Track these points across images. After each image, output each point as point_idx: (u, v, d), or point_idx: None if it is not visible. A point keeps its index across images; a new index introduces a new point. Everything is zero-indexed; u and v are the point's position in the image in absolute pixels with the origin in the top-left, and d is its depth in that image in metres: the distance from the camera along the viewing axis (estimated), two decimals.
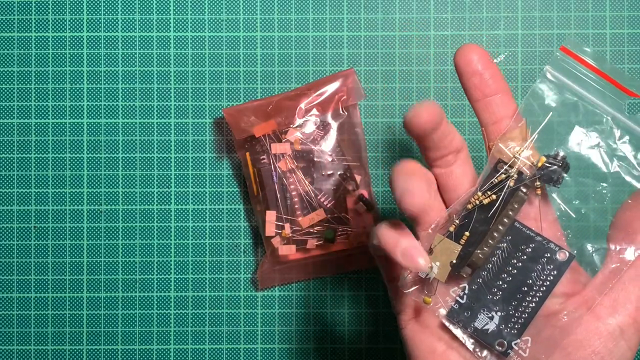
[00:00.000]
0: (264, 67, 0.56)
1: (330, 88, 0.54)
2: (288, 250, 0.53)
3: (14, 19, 0.56)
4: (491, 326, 0.38)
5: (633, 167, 0.37)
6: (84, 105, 0.56)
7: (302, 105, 0.54)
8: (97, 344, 0.56)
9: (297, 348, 0.56)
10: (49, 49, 0.56)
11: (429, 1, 0.56)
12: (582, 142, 0.37)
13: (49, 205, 0.56)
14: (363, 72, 0.56)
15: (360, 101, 0.55)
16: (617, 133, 0.36)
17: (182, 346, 0.56)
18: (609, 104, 0.36)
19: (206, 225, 0.56)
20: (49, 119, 0.56)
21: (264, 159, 0.54)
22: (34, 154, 0.56)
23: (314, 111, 0.54)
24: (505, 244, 0.38)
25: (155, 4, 0.56)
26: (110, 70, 0.56)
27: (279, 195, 0.53)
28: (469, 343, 0.38)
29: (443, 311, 0.39)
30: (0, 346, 0.56)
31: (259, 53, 0.56)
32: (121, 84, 0.56)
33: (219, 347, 0.56)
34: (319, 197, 0.54)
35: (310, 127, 0.54)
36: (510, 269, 0.38)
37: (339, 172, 0.54)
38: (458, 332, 0.38)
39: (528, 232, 0.38)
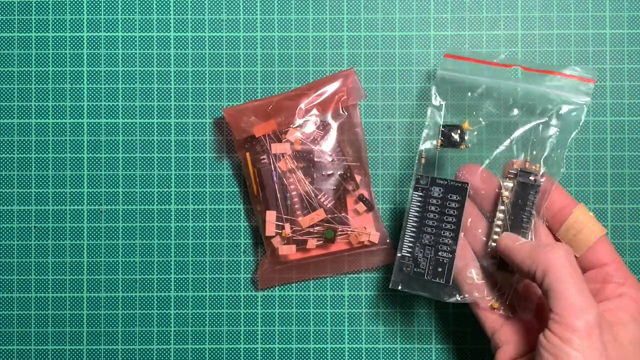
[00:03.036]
0: (264, 67, 0.56)
1: (330, 88, 0.54)
2: (288, 250, 0.53)
3: (14, 19, 0.57)
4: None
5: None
6: (84, 105, 0.56)
7: (302, 105, 0.54)
8: (97, 343, 0.56)
9: (297, 348, 0.56)
10: (49, 49, 0.56)
11: (429, 1, 0.56)
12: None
13: (49, 205, 0.56)
14: (363, 72, 0.56)
15: (360, 101, 0.55)
16: (495, 93, 0.52)
17: (182, 346, 0.56)
18: (485, 76, 0.52)
19: (206, 225, 0.56)
20: (49, 119, 0.56)
21: (264, 159, 0.54)
22: (34, 154, 0.56)
23: (314, 111, 0.54)
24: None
25: (156, 4, 0.56)
26: (111, 70, 0.56)
27: (279, 195, 0.53)
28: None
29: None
30: (1, 346, 0.56)
31: (259, 53, 0.56)
32: (121, 84, 0.56)
33: (219, 347, 0.56)
34: (319, 197, 0.54)
35: (310, 127, 0.54)
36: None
37: (339, 172, 0.54)
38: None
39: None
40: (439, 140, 0.51)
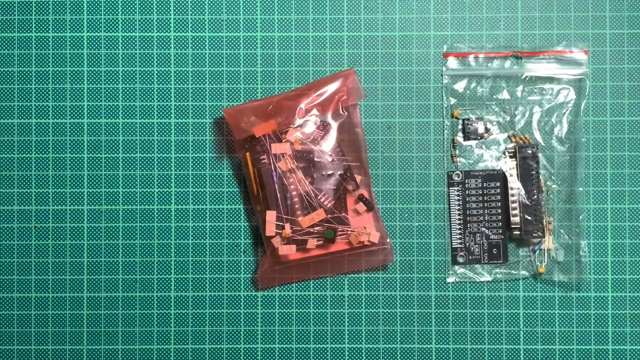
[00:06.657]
0: (264, 67, 0.56)
1: (330, 88, 0.54)
2: (288, 250, 0.53)
3: (14, 19, 0.57)
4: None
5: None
6: (84, 105, 0.56)
7: (302, 105, 0.54)
8: (97, 343, 0.56)
9: (297, 348, 0.56)
10: (49, 49, 0.56)
11: (429, 1, 0.56)
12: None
13: (49, 205, 0.56)
14: (363, 72, 0.56)
15: (360, 101, 0.55)
16: (503, 82, 0.55)
17: (182, 346, 0.56)
18: (489, 68, 0.55)
19: (206, 225, 0.56)
20: (49, 119, 0.56)
21: (264, 159, 0.54)
22: (34, 154, 0.56)
23: (314, 111, 0.54)
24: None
25: (156, 4, 0.56)
26: (111, 70, 0.56)
27: (279, 195, 0.53)
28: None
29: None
30: (1, 346, 0.56)
31: (259, 53, 0.56)
32: (121, 84, 0.56)
33: (219, 347, 0.56)
34: (319, 197, 0.54)
35: (310, 127, 0.54)
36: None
37: (339, 172, 0.54)
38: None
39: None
40: (462, 135, 0.54)
